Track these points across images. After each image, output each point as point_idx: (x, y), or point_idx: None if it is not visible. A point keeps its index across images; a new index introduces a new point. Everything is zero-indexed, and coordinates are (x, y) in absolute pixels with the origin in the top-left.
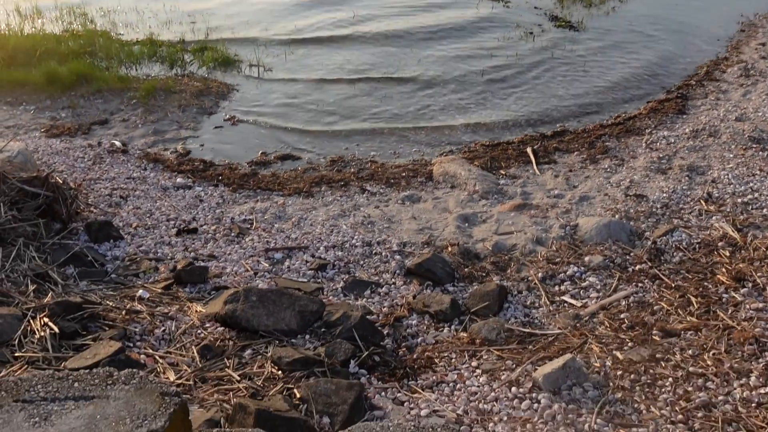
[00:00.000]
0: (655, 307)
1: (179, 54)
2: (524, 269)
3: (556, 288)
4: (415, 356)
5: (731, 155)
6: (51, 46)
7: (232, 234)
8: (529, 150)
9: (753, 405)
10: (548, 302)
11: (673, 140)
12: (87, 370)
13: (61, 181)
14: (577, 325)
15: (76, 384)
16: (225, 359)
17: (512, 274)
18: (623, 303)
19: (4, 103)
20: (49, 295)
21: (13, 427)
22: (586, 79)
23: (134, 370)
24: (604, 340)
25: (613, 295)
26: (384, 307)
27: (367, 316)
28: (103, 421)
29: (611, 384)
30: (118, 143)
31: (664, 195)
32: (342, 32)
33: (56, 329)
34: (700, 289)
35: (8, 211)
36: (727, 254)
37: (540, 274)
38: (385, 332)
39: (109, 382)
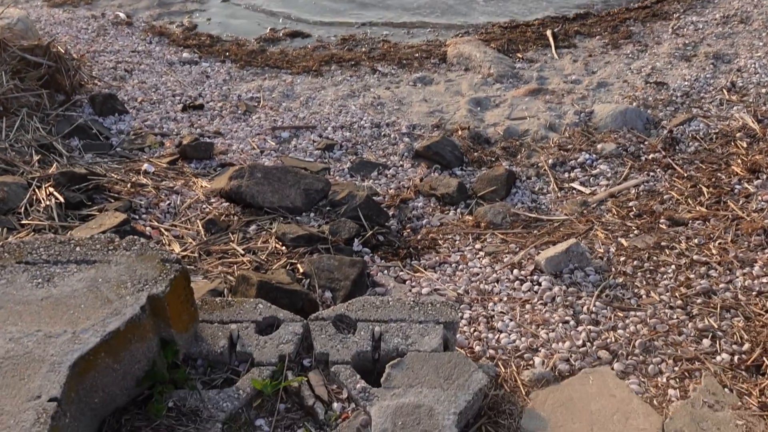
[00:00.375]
0: (664, 197)
1: None
2: (535, 155)
3: (566, 175)
4: (419, 237)
5: (761, 43)
6: None
7: (239, 111)
8: (548, 33)
9: (753, 293)
10: (557, 189)
11: (701, 26)
12: (88, 236)
13: (63, 51)
14: (584, 212)
15: (77, 248)
16: (229, 233)
17: (522, 159)
18: (633, 191)
19: None
20: (54, 165)
21: (17, 286)
22: None
23: (135, 237)
24: (610, 227)
25: (623, 183)
26: (390, 188)
27: (373, 197)
28: (104, 284)
29: (613, 269)
30: (122, 15)
31: (686, 83)
32: None
33: (61, 199)
34: (713, 179)
35: (10, 81)
36: (744, 145)
37: (550, 161)
38: (391, 213)
39: (111, 248)
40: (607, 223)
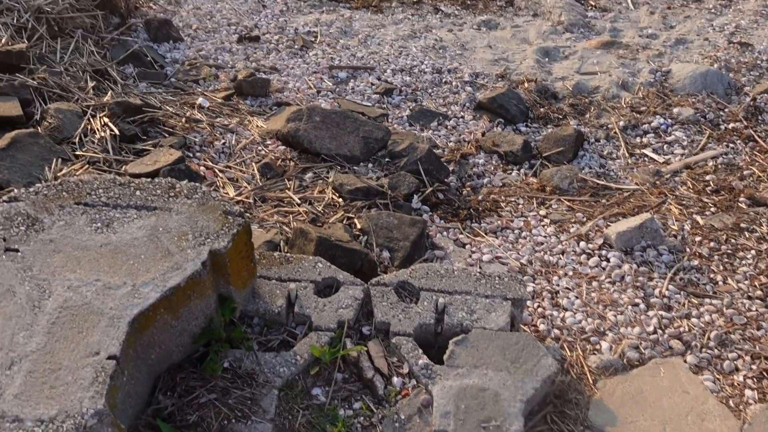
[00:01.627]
0: (744, 172)
1: None
2: (605, 115)
3: (638, 140)
4: (480, 198)
5: None
6: None
7: (296, 46)
8: None
9: None
10: (627, 154)
11: None
12: (149, 179)
13: None
14: (657, 182)
15: (138, 192)
16: (285, 180)
17: (591, 119)
18: (710, 164)
19: None
20: (109, 93)
21: (76, 230)
22: None
23: (197, 184)
24: (684, 202)
25: (700, 154)
26: (450, 141)
27: (433, 150)
28: (165, 234)
29: (688, 250)
30: None
31: None
32: None
33: (116, 131)
34: None
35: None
36: None
37: (621, 123)
38: (451, 169)
39: (172, 194)
40: (681, 197)
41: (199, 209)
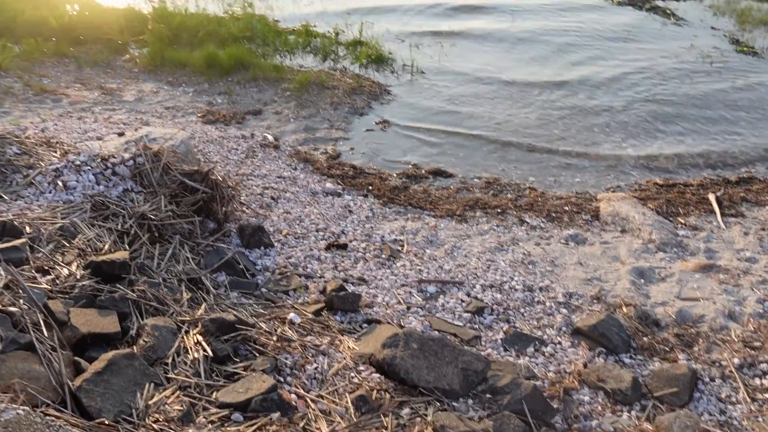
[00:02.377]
0: None
1: (333, 47)
2: (715, 349)
3: (758, 381)
4: None
5: None
6: (212, 27)
7: (383, 255)
8: (711, 197)
9: None
10: (748, 399)
11: None
12: None
13: (220, 179)
14: None
15: None
16: (381, 416)
17: (701, 353)
18: None
19: (166, 82)
20: (202, 307)
21: None
22: None
23: None
24: None
25: None
26: (549, 371)
27: (532, 380)
28: None
29: None
30: (270, 137)
31: None
32: (497, 29)
33: (209, 352)
34: None
35: (168, 206)
36: None
37: (736, 360)
38: (555, 406)
39: None
40: None
41: None
